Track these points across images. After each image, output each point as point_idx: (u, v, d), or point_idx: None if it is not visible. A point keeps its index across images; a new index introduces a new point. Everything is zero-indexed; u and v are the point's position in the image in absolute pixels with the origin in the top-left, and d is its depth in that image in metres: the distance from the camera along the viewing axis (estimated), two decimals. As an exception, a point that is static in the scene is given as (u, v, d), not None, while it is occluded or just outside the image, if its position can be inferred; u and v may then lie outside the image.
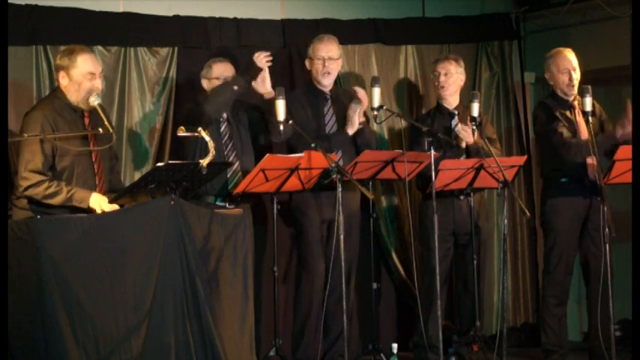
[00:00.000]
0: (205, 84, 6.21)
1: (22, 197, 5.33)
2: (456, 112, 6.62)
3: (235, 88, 5.98)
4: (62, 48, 5.81)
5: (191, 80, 6.49)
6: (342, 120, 6.41)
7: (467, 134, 6.38)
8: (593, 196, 6.14)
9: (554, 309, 6.49)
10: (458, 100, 6.68)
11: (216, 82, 6.14)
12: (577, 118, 6.36)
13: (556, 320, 6.49)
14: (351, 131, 6.35)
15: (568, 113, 6.38)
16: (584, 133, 6.25)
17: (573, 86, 6.37)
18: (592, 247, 6.31)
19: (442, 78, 6.61)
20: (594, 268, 6.26)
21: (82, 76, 5.43)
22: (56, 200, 5.27)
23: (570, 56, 6.43)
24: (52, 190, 5.27)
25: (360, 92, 6.35)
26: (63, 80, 5.47)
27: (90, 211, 5.28)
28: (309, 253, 6.34)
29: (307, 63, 6.48)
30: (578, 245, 6.44)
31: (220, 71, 6.16)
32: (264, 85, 6.14)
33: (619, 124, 6.19)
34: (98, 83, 5.49)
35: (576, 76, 6.39)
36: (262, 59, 6.06)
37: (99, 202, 5.28)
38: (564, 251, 6.42)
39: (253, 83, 6.11)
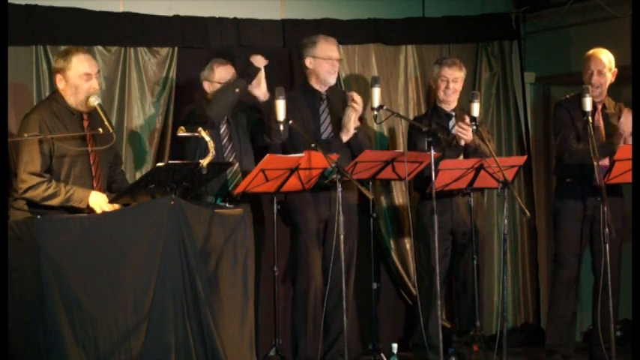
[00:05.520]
0: (207, 86, 6.19)
1: (19, 198, 5.33)
2: (454, 114, 6.63)
3: (237, 90, 5.97)
4: (61, 49, 5.82)
5: (191, 80, 6.49)
6: (337, 120, 6.41)
7: (466, 132, 6.36)
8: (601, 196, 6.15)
9: (560, 308, 6.49)
10: (456, 102, 6.68)
11: (218, 86, 6.12)
12: (597, 120, 6.34)
13: (562, 320, 6.49)
14: (345, 138, 6.35)
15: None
16: (597, 138, 6.24)
17: (597, 87, 6.34)
18: (600, 246, 6.29)
19: (452, 84, 6.59)
20: (598, 267, 6.27)
21: (78, 77, 5.43)
22: (55, 201, 5.27)
23: (602, 56, 6.41)
24: (50, 191, 5.28)
25: (356, 97, 6.32)
26: (60, 83, 5.47)
27: (90, 210, 5.28)
28: (305, 251, 6.34)
29: (309, 62, 6.45)
30: (590, 245, 6.45)
31: (222, 75, 6.14)
32: (259, 88, 6.12)
33: (616, 136, 6.21)
34: (95, 84, 5.48)
35: (601, 77, 6.35)
36: (259, 58, 6.04)
37: (99, 202, 5.29)
38: (571, 251, 6.42)
39: (249, 87, 6.10)
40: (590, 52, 6.47)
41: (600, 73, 6.37)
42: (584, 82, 6.40)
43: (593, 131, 6.10)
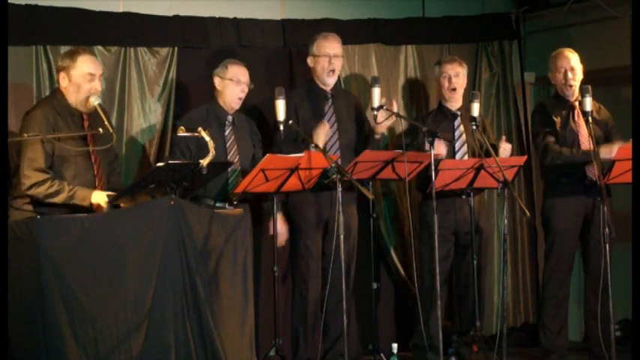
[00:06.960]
0: (217, 82, 6.16)
1: (19, 197, 5.33)
2: (459, 113, 6.63)
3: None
4: (63, 49, 5.82)
5: (191, 80, 6.50)
6: (343, 119, 6.41)
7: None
8: (595, 195, 6.15)
9: (552, 309, 6.50)
10: (461, 101, 6.67)
11: (230, 83, 6.12)
12: (577, 119, 6.37)
13: (555, 320, 6.51)
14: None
15: (564, 113, 6.39)
16: (583, 136, 6.27)
17: (571, 85, 6.39)
18: (594, 245, 6.31)
19: (454, 80, 6.60)
20: (593, 267, 6.28)
21: (82, 77, 5.44)
22: (58, 199, 5.28)
23: (569, 55, 6.45)
24: (54, 188, 5.28)
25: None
26: (63, 81, 5.48)
27: (91, 210, 5.28)
28: (305, 251, 6.35)
29: (310, 60, 6.46)
30: (581, 244, 6.46)
31: (234, 73, 6.13)
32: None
33: (604, 150, 6.21)
34: (97, 85, 5.50)
35: (574, 75, 6.40)
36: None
37: (102, 198, 5.29)
38: (563, 251, 6.44)
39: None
40: (556, 52, 6.50)
41: (573, 70, 6.40)
42: (557, 83, 6.44)
43: (567, 132, 6.20)
